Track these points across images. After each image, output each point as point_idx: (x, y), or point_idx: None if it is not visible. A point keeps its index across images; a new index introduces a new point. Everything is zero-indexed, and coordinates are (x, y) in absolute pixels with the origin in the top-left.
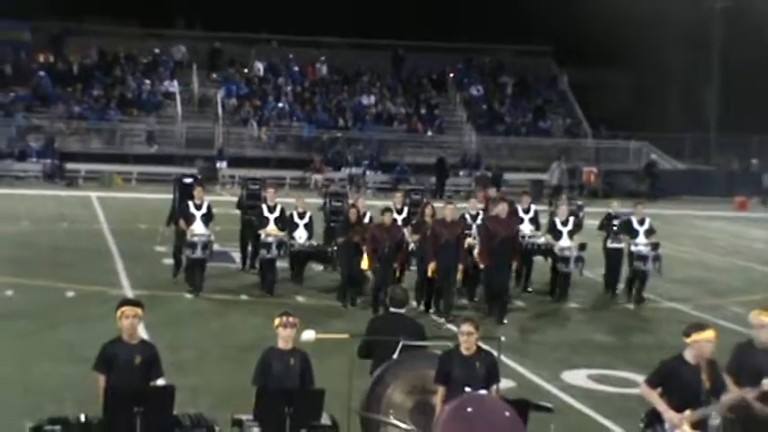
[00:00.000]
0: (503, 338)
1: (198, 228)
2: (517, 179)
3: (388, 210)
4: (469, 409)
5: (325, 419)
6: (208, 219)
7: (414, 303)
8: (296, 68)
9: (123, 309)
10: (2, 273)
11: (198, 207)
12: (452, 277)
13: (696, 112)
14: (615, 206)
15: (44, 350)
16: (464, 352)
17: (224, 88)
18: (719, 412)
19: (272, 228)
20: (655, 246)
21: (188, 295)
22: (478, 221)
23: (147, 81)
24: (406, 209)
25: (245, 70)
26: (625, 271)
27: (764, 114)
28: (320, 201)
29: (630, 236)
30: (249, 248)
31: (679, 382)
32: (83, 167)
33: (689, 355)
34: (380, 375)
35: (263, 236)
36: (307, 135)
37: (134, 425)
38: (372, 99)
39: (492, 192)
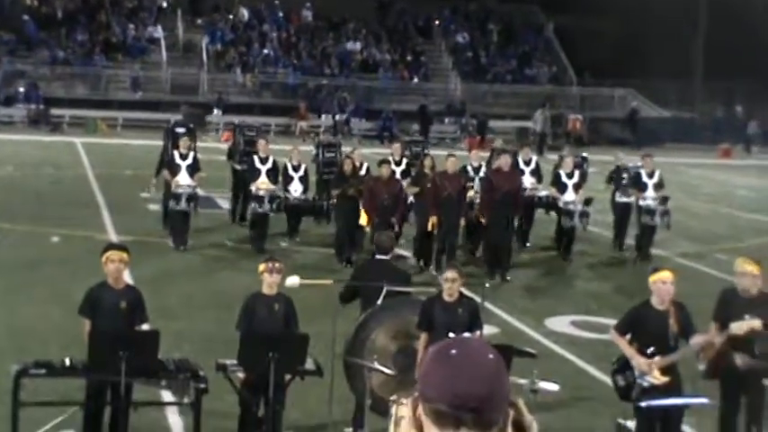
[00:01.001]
0: (487, 285)
1: (183, 179)
2: (502, 126)
3: (385, 162)
4: (453, 351)
5: (309, 364)
6: (194, 169)
7: (412, 259)
8: (279, 14)
9: (109, 253)
10: None
11: (183, 157)
12: (454, 232)
13: (681, 59)
14: (622, 158)
15: (29, 294)
16: (447, 298)
17: (209, 34)
18: (689, 356)
19: (263, 180)
20: (664, 200)
21: (171, 245)
22: (481, 174)
23: (132, 26)
24: (404, 160)
25: (230, 16)
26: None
27: (750, 62)
28: (306, 148)
29: (639, 189)
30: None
31: (646, 328)
32: (67, 113)
33: (654, 300)
34: (364, 320)
35: (253, 189)
36: (292, 82)
37: (119, 369)
38: (358, 46)
39: (497, 143)
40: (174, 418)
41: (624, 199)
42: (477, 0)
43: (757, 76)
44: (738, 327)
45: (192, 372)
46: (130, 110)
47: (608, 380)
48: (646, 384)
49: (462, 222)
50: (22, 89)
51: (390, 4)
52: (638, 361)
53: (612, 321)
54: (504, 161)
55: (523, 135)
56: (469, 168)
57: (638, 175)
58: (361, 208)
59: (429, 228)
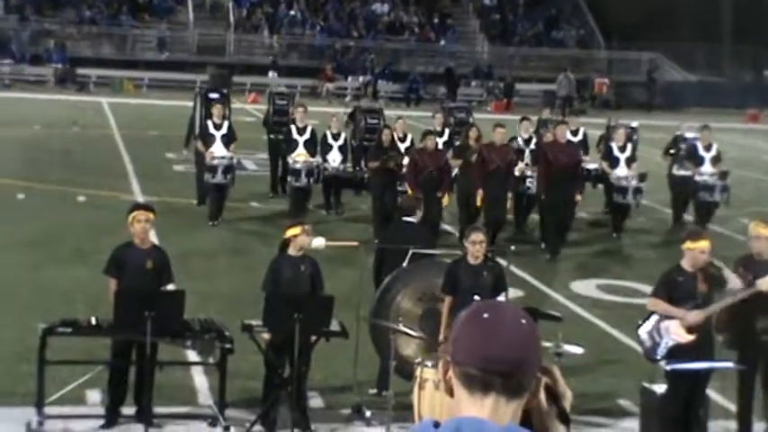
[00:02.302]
0: (512, 248)
1: (218, 150)
2: (529, 90)
3: (430, 133)
4: (485, 315)
5: (334, 326)
6: (229, 140)
7: (450, 229)
8: None
9: (135, 213)
10: (13, 176)
11: (218, 127)
12: (502, 208)
13: (710, 23)
14: (684, 128)
15: (55, 253)
16: (471, 261)
17: None
18: (729, 302)
19: (300, 152)
20: (723, 175)
21: (210, 222)
22: (532, 146)
23: None
24: (447, 130)
25: None
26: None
27: None
28: (334, 110)
29: (695, 163)
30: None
31: (679, 291)
32: (94, 73)
33: (685, 263)
34: (390, 283)
35: (290, 161)
36: (319, 43)
37: (144, 328)
38: (385, 8)
39: (546, 112)
40: (200, 378)
41: (683, 172)
42: None
43: None
44: (765, 282)
45: (217, 332)
46: (156, 70)
47: (633, 343)
48: (671, 344)
49: (510, 196)
50: (49, 48)
51: None
52: (689, 315)
53: (638, 285)
54: (560, 132)
55: (549, 98)
56: (519, 140)
57: (695, 148)
58: (397, 181)
59: (478, 203)
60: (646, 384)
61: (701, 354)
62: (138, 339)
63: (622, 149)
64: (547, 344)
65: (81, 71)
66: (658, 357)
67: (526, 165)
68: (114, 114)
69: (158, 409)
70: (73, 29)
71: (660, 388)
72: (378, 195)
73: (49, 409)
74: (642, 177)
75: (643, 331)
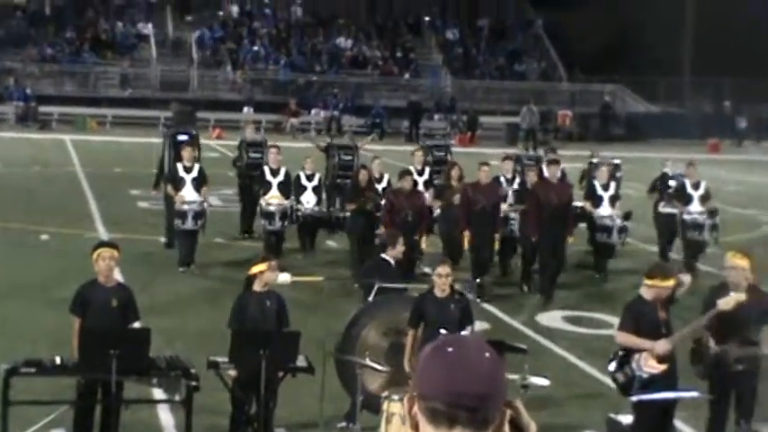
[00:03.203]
0: (477, 281)
1: (188, 194)
2: (493, 122)
3: (407, 173)
4: (450, 349)
5: (300, 361)
6: (200, 183)
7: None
8: (267, 11)
9: (99, 251)
10: None
11: (188, 170)
12: (488, 249)
13: (670, 55)
14: (670, 165)
15: (18, 293)
16: (438, 294)
17: (198, 31)
18: (695, 328)
19: (274, 194)
20: (712, 213)
21: (180, 269)
22: (515, 186)
23: (120, 23)
24: (427, 169)
25: (220, 13)
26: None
27: (737, 56)
28: (300, 145)
29: (683, 202)
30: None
31: (644, 321)
32: (56, 110)
33: (647, 294)
34: (356, 317)
35: (263, 204)
36: (282, 78)
37: (109, 367)
38: (348, 42)
39: (521, 148)
40: (166, 416)
41: (669, 210)
42: None
43: (745, 72)
44: (725, 302)
45: (183, 369)
46: (120, 107)
47: (599, 374)
48: (645, 376)
49: (497, 237)
50: (9, 86)
51: (379, 0)
52: (658, 345)
53: (603, 316)
54: (552, 171)
55: (513, 131)
56: (502, 180)
57: (683, 186)
58: (376, 223)
59: (465, 245)
60: (612, 415)
61: (669, 383)
62: (103, 378)
63: (605, 188)
64: (513, 376)
65: (43, 109)
66: (635, 391)
67: (509, 205)
68: (77, 152)
69: None
70: (34, 67)
71: (627, 419)
72: (356, 238)
73: None
74: (627, 216)
75: (614, 368)
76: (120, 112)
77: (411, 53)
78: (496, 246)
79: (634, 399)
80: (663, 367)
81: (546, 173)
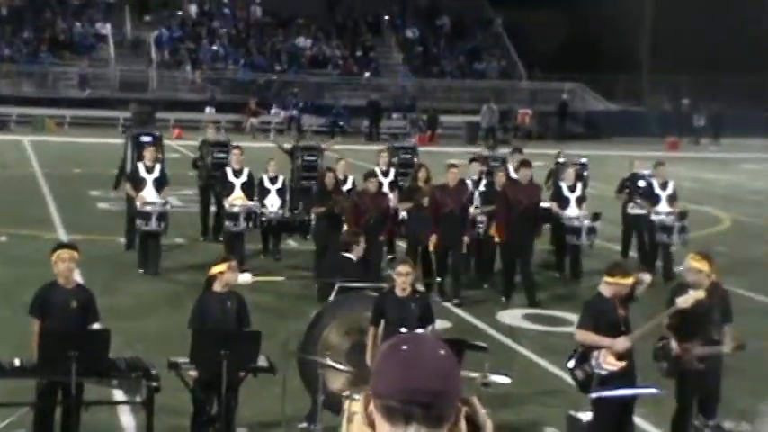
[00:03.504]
0: (438, 279)
1: (149, 195)
2: (453, 121)
3: (372, 175)
4: (404, 347)
5: (261, 361)
6: (161, 184)
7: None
8: (226, 10)
9: (59, 252)
10: None
11: (149, 170)
12: (457, 253)
13: (629, 53)
14: (637, 165)
15: None
16: (399, 293)
17: (157, 31)
18: (654, 325)
19: (238, 195)
20: (681, 215)
21: (140, 270)
22: (482, 188)
23: (79, 23)
24: (392, 170)
25: (179, 12)
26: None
27: (695, 55)
28: (255, 144)
29: (651, 202)
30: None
31: (603, 318)
32: (14, 111)
33: (606, 292)
34: (317, 317)
35: (227, 205)
36: (242, 78)
37: (69, 368)
38: (308, 42)
39: (483, 149)
40: (127, 417)
41: (637, 211)
42: None
43: (702, 70)
44: (684, 300)
45: (143, 370)
46: (78, 108)
47: (559, 372)
48: (604, 373)
49: (466, 241)
50: None
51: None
52: (617, 343)
53: (563, 314)
54: (523, 173)
55: (473, 130)
56: (469, 182)
57: (650, 186)
58: (344, 227)
59: (431, 248)
60: (572, 412)
61: (627, 380)
62: (63, 380)
63: (572, 189)
64: (474, 374)
65: (1, 110)
66: (594, 388)
67: (476, 207)
68: (36, 153)
69: None
70: None
71: (586, 416)
72: (321, 240)
73: None
74: (596, 217)
75: (573, 365)
76: (78, 113)
77: (371, 52)
78: (464, 249)
79: (594, 396)
80: (622, 364)
81: (514, 173)
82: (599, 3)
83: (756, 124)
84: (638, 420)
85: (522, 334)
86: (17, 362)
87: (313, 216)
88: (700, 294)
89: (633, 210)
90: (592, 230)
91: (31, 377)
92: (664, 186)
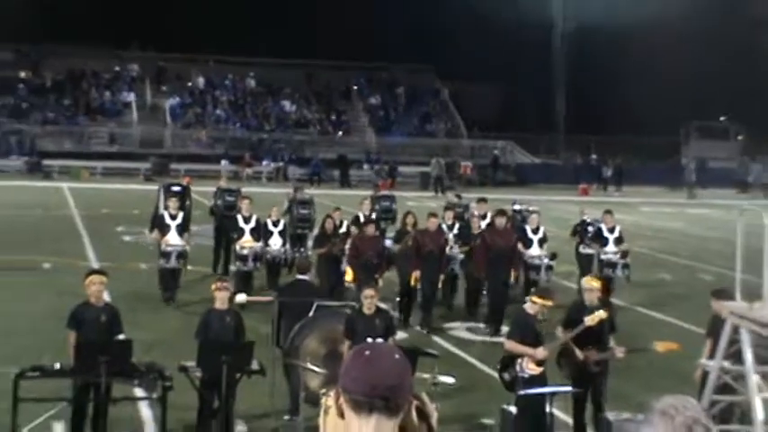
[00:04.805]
0: (397, 299)
1: (172, 238)
2: (408, 171)
3: (370, 221)
4: (367, 353)
5: (254, 365)
6: (183, 229)
7: (393, 313)
8: (227, 82)
9: (91, 277)
10: None
11: (173, 217)
12: (434, 287)
13: (548, 117)
14: (587, 214)
15: (26, 311)
16: (366, 311)
17: (171, 99)
18: (566, 339)
19: (247, 239)
20: (624, 254)
21: (163, 302)
22: (455, 231)
23: (108, 93)
24: (374, 215)
25: (189, 84)
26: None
27: (602, 118)
28: (250, 189)
29: (600, 244)
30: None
31: (528, 330)
32: (56, 163)
33: (531, 310)
34: (299, 329)
35: (237, 248)
36: (239, 136)
37: (99, 371)
38: (293, 107)
39: (451, 196)
40: (145, 411)
41: (588, 251)
42: (387, 70)
43: (608, 131)
44: (591, 319)
45: (159, 372)
46: (107, 160)
47: (495, 374)
48: (526, 376)
49: (442, 277)
50: (15, 144)
51: (317, 73)
52: (538, 351)
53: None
54: (498, 221)
55: (425, 179)
56: (444, 227)
57: (600, 231)
58: (342, 267)
59: (412, 282)
60: (504, 406)
61: (542, 382)
62: (94, 380)
63: (535, 232)
64: (425, 375)
65: (46, 162)
66: (519, 387)
67: (450, 248)
68: (73, 197)
69: None
70: (39, 128)
71: (515, 409)
72: (325, 278)
73: None
74: (554, 256)
75: (503, 369)
76: (107, 164)
77: (343, 115)
78: (440, 284)
79: (521, 393)
80: (540, 369)
81: (495, 222)
82: (523, 77)
83: (652, 175)
84: (556, 411)
85: (464, 344)
86: (57, 365)
87: (313, 255)
88: (602, 314)
89: (584, 250)
90: (549, 267)
91: (68, 378)
92: (611, 230)
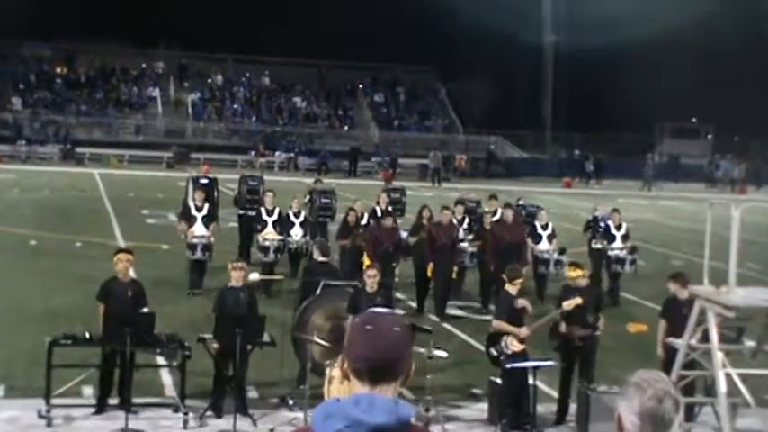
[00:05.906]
0: (396, 279)
1: (198, 229)
2: (408, 163)
3: (389, 214)
4: (369, 326)
5: (266, 337)
6: (209, 221)
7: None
8: (244, 80)
9: (119, 255)
10: (28, 227)
11: (199, 209)
12: (447, 277)
13: (536, 114)
14: (600, 210)
15: (59, 284)
16: (368, 289)
17: (193, 94)
18: (548, 320)
19: (269, 230)
20: (632, 250)
21: (188, 293)
22: (464, 225)
23: (136, 88)
24: (390, 209)
25: (209, 80)
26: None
27: (585, 118)
28: (268, 177)
29: (608, 241)
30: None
31: (512, 311)
32: (88, 151)
33: (512, 290)
34: (307, 306)
35: (260, 240)
36: (254, 129)
37: (125, 340)
38: (304, 103)
39: (465, 194)
40: (166, 377)
41: (599, 246)
42: (390, 70)
43: (591, 128)
44: (568, 304)
45: (179, 342)
46: (134, 149)
47: (483, 348)
48: (509, 352)
49: (455, 268)
50: (52, 134)
51: (327, 72)
52: (521, 330)
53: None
54: (506, 214)
55: (423, 170)
56: (454, 221)
57: (607, 228)
58: (363, 255)
59: (429, 273)
60: (492, 378)
61: (523, 358)
62: (120, 349)
63: (544, 228)
64: (421, 349)
65: (79, 150)
66: (503, 362)
67: (461, 241)
68: (103, 182)
69: (136, 400)
70: (73, 119)
71: (501, 381)
72: (349, 269)
73: (54, 401)
74: (562, 251)
75: (490, 345)
76: (134, 153)
77: (349, 111)
78: (454, 274)
79: (507, 366)
80: (522, 346)
81: (503, 216)
82: (515, 77)
83: (629, 170)
84: (540, 384)
85: (457, 320)
86: (87, 335)
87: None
88: (578, 301)
89: (596, 245)
90: (558, 262)
91: (97, 346)
92: (618, 228)
